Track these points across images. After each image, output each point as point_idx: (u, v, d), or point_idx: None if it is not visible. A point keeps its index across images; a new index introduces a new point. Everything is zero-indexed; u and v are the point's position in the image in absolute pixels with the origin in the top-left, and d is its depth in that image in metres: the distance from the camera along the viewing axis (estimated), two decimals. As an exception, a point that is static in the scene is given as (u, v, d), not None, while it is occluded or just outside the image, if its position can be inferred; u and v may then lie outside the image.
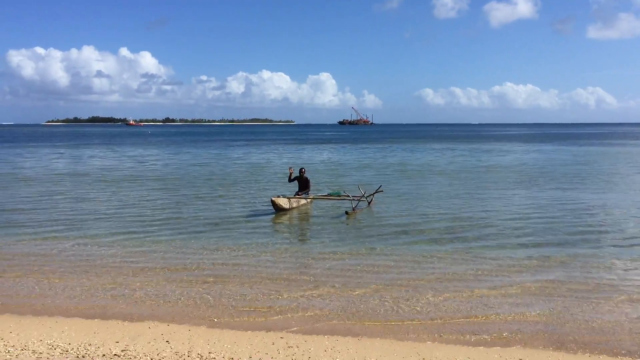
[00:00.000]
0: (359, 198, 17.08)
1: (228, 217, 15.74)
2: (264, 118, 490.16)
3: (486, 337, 7.03)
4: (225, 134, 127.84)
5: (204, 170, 32.86)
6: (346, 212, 16.03)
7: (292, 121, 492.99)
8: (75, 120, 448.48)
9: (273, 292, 8.85)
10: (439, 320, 7.62)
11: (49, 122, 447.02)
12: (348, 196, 17.21)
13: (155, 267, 10.52)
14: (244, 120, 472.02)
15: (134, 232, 13.88)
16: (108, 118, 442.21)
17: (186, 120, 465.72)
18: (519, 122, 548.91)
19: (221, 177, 27.95)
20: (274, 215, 16.05)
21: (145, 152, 53.34)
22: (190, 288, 9.14)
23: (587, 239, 12.90)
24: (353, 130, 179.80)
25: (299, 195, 17.51)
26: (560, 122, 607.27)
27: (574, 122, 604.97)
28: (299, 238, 13.68)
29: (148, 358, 6.20)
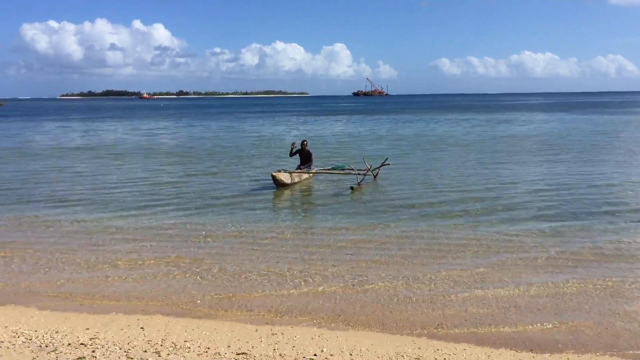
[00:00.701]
0: (364, 172, 16.23)
1: (228, 194, 14.94)
2: (278, 90, 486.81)
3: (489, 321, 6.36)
4: (238, 107, 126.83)
5: (212, 143, 32.20)
6: (351, 188, 15.18)
7: (306, 93, 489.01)
8: (90, 94, 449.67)
9: (264, 275, 8.19)
10: (439, 304, 6.95)
11: (63, 95, 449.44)
12: (353, 170, 16.42)
13: (144, 247, 9.90)
14: (258, 93, 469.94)
15: (128, 209, 13.26)
16: (122, 91, 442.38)
17: (199, 93, 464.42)
18: (537, 92, 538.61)
19: (229, 151, 27.24)
20: (274, 191, 15.29)
21: (155, 125, 52.87)
22: (177, 269, 8.50)
23: (607, 212, 12.08)
24: (367, 101, 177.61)
25: (300, 169, 16.74)
26: (579, 90, 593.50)
27: (594, 90, 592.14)
28: (300, 215, 12.90)
29: (117, 347, 5.63)
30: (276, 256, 9.11)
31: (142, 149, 28.50)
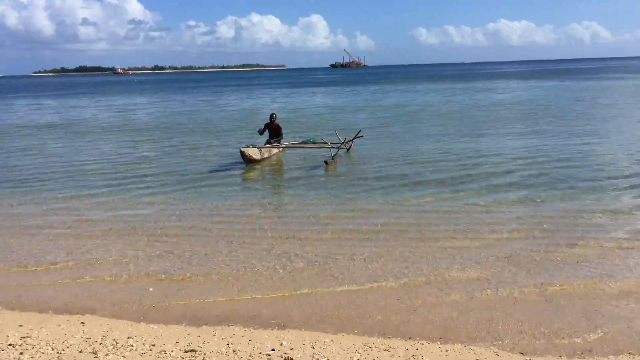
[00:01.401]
0: (337, 145, 15.61)
1: (194, 172, 13.92)
2: (255, 63, 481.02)
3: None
4: (214, 80, 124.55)
5: (185, 118, 31.11)
6: (325, 162, 14.39)
7: (283, 66, 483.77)
8: (63, 70, 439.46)
9: (228, 262, 7.51)
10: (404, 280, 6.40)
11: (36, 72, 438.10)
12: (326, 143, 15.74)
13: (98, 229, 9.18)
14: (235, 67, 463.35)
15: (91, 188, 12.52)
16: (96, 67, 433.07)
17: (176, 68, 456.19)
18: (514, 60, 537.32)
19: (203, 126, 26.23)
20: (243, 168, 14.41)
21: (128, 101, 51.26)
22: (131, 256, 7.79)
23: (586, 180, 11.64)
24: (345, 72, 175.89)
25: (270, 143, 15.96)
26: (555, 58, 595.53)
27: (570, 57, 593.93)
28: (271, 194, 12.03)
29: (49, 348, 4.97)
30: (240, 242, 8.42)
31: (111, 126, 27.41)
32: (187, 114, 34.27)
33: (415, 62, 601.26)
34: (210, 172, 13.98)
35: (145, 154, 17.48)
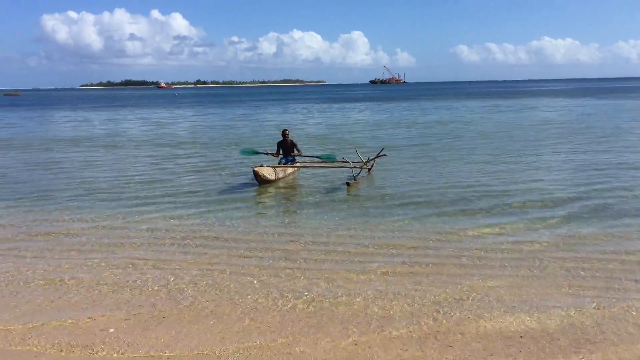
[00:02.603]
0: (360, 165, 14.20)
1: (207, 191, 12.80)
2: (295, 79, 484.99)
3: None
4: (254, 95, 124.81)
5: (217, 133, 30.18)
6: (347, 183, 12.92)
7: (323, 81, 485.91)
8: (109, 83, 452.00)
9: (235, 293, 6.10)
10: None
11: (83, 85, 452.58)
12: (347, 162, 14.32)
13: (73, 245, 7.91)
14: (275, 82, 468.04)
15: (88, 202, 11.39)
16: (140, 81, 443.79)
17: (217, 83, 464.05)
18: (557, 78, 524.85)
19: (234, 141, 25.05)
20: (256, 189, 13.07)
21: (165, 114, 50.83)
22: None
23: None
24: (384, 89, 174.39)
25: (285, 162, 14.59)
26: (600, 76, 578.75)
27: (616, 76, 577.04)
28: (285, 218, 10.60)
29: None
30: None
31: (136, 140, 26.58)
32: (218, 128, 33.32)
33: (455, 79, 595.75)
34: (221, 192, 12.59)
35: (160, 170, 16.28)
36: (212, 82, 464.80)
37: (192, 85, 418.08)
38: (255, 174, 13.09)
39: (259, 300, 6.19)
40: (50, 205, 11.62)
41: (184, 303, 6.15)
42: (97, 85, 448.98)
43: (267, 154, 14.79)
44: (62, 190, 13.22)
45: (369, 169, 14.57)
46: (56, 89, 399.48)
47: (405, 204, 10.91)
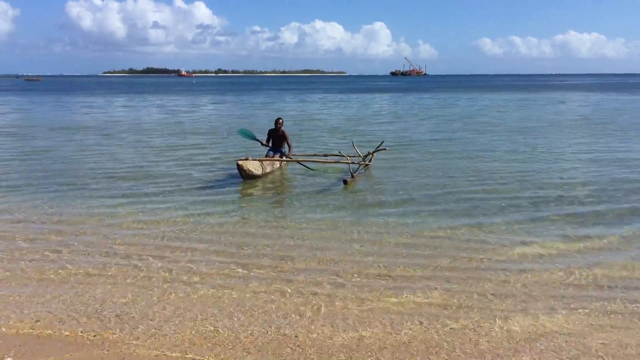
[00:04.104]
0: (358, 161, 12.76)
1: (188, 185, 11.43)
2: (316, 69, 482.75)
3: None
4: (273, 84, 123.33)
5: (220, 121, 28.89)
6: (344, 181, 11.23)
7: (344, 72, 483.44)
8: (131, 71, 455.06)
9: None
10: None
11: (106, 72, 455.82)
12: (344, 157, 12.72)
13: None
14: (296, 72, 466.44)
15: (60, 191, 10.08)
16: (162, 69, 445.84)
17: (238, 72, 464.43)
18: (583, 73, 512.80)
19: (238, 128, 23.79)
20: (239, 185, 11.43)
21: (181, 102, 49.59)
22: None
23: None
24: (405, 80, 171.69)
25: (273, 155, 13.10)
26: (627, 72, 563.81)
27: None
28: (273, 216, 9.12)
29: None
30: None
31: (135, 128, 25.32)
32: (229, 117, 31.97)
33: (477, 72, 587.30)
34: (201, 189, 11.11)
35: (145, 162, 14.89)
36: (233, 72, 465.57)
37: (213, 74, 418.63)
38: (239, 168, 11.56)
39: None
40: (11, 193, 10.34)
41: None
42: (119, 72, 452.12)
43: (262, 144, 13.26)
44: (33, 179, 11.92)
45: (367, 164, 12.97)
46: (78, 76, 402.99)
47: (415, 206, 9.37)
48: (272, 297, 5.60)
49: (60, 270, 6.39)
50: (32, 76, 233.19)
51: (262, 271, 6.36)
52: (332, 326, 4.93)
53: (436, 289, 5.78)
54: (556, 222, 8.33)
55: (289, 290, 5.77)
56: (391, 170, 12.97)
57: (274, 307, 5.35)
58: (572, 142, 18.07)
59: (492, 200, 9.72)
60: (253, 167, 11.77)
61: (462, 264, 6.53)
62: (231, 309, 5.30)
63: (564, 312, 5.20)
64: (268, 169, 12.37)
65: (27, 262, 6.69)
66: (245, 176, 11.66)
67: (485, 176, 12.07)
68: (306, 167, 12.73)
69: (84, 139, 20.04)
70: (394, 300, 5.51)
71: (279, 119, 13.30)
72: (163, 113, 34.39)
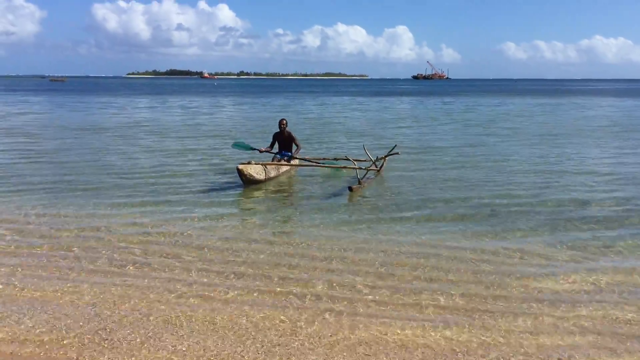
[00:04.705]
0: (367, 166, 11.89)
1: (187, 190, 10.94)
2: (337, 72, 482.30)
3: None
4: (295, 87, 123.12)
5: (232, 122, 28.48)
6: (349, 188, 10.43)
7: (365, 75, 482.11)
8: (154, 72, 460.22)
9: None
10: None
11: (129, 74, 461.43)
12: (351, 162, 11.94)
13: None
14: (317, 75, 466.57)
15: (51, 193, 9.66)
16: (185, 71, 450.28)
17: (260, 74, 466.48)
18: (609, 78, 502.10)
19: (250, 130, 23.38)
20: (240, 191, 10.72)
21: (201, 103, 49.49)
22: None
23: None
24: (427, 84, 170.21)
25: (279, 159, 12.25)
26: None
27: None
28: (268, 232, 8.42)
29: None
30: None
31: (151, 129, 25.06)
32: (236, 117, 31.59)
33: (500, 77, 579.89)
34: (199, 193, 10.65)
35: (153, 163, 14.52)
36: (255, 74, 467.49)
37: (235, 77, 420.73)
38: (240, 172, 10.81)
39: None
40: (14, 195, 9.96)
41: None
42: (143, 73, 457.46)
43: (261, 151, 12.30)
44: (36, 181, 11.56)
45: (379, 170, 12.34)
46: (102, 77, 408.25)
47: (430, 217, 8.73)
48: (268, 315, 5.06)
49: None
50: (57, 77, 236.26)
51: (253, 295, 5.81)
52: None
53: (456, 323, 5.17)
54: (591, 240, 7.65)
55: (289, 314, 5.21)
56: (406, 176, 12.24)
57: (268, 324, 4.81)
58: (602, 150, 17.21)
59: (516, 212, 9.05)
60: (255, 171, 11.03)
61: (486, 291, 5.90)
62: (225, 330, 4.77)
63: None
64: (273, 174, 11.64)
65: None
66: (247, 181, 10.94)
67: (508, 186, 11.36)
68: (319, 165, 12.22)
69: (97, 139, 19.75)
70: (409, 332, 4.91)
71: (283, 119, 12.47)
72: (182, 115, 34.12)
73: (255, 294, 5.53)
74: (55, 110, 37.05)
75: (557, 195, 10.29)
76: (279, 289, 5.67)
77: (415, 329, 4.77)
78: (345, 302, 5.32)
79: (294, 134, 12.53)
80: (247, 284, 5.79)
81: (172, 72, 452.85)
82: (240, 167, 10.82)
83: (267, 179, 11.42)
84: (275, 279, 5.95)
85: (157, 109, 40.22)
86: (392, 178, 12.05)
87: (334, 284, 5.80)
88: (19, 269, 6.24)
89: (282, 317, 4.99)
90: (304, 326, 4.81)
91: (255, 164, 11.18)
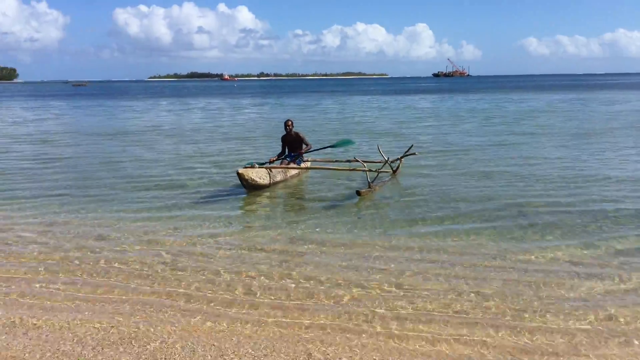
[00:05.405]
0: (378, 168, 11.12)
1: (188, 199, 10.55)
2: (357, 72, 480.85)
3: None
4: (314, 87, 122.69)
5: (245, 123, 28.10)
6: (357, 192, 9.70)
7: (385, 74, 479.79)
8: (175, 76, 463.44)
9: None
10: None
11: (151, 77, 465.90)
12: (360, 164, 10.97)
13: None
14: (337, 74, 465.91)
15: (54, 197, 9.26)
16: (205, 73, 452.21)
17: (280, 75, 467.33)
18: (633, 72, 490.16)
19: (271, 133, 22.94)
20: (245, 196, 10.05)
21: (222, 105, 49.33)
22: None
23: None
24: (448, 82, 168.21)
25: (288, 162, 11.52)
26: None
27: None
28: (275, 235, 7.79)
29: None
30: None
31: (168, 132, 24.77)
32: (263, 120, 31.19)
33: (522, 73, 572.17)
34: (196, 201, 10.17)
35: (164, 167, 14.12)
36: (275, 75, 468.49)
37: (255, 78, 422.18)
38: (240, 177, 9.95)
39: None
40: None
41: None
42: (164, 77, 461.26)
43: (271, 161, 11.27)
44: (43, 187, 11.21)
45: (394, 171, 11.66)
46: (126, 81, 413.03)
47: (453, 222, 8.11)
48: (273, 331, 4.53)
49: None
50: (79, 81, 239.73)
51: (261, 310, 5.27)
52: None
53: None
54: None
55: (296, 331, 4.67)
56: (424, 178, 11.51)
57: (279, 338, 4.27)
58: (637, 149, 16.34)
59: (546, 215, 8.37)
60: (258, 175, 10.21)
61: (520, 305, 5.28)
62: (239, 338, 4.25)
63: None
64: (279, 178, 10.87)
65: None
66: (248, 186, 10.14)
67: (536, 188, 10.67)
68: (329, 168, 11.54)
69: (112, 144, 19.50)
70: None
71: (288, 120, 11.77)
72: (201, 117, 33.88)
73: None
74: (73, 115, 37.15)
75: (590, 196, 9.58)
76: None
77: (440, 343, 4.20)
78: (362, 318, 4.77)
79: (301, 134, 11.86)
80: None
81: (193, 75, 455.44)
82: (241, 171, 10.03)
83: (273, 184, 10.66)
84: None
85: (177, 111, 40.12)
86: (409, 180, 11.35)
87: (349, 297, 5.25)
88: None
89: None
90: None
91: (259, 167, 10.47)
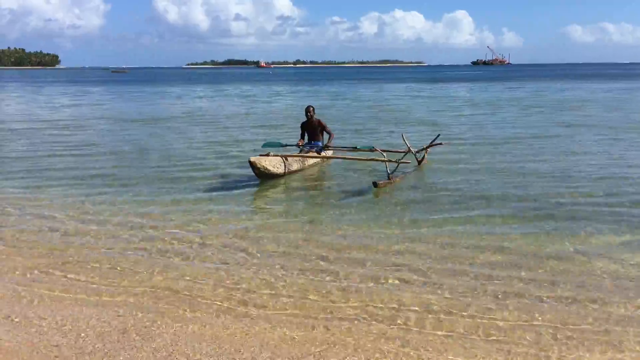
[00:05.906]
0: (398, 159, 9.99)
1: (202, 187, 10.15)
2: (394, 59, 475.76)
3: None
4: (351, 74, 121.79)
5: (292, 111, 27.95)
6: (374, 184, 9.11)
7: (422, 62, 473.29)
8: (212, 63, 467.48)
9: None
10: None
11: (189, 64, 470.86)
12: (379, 153, 10.48)
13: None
14: (373, 62, 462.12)
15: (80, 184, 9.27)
16: (242, 60, 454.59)
17: (316, 63, 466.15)
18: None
19: (286, 120, 22.75)
20: (257, 188, 9.60)
21: (256, 91, 49.37)
22: None
23: None
24: (486, 70, 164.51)
25: (307, 151, 11.04)
26: None
27: None
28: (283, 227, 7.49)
29: None
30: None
31: (200, 119, 24.82)
32: (295, 107, 31.02)
33: (565, 61, 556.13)
34: (208, 189, 9.94)
35: (188, 154, 14.05)
36: (311, 62, 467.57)
37: (292, 65, 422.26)
38: (252, 166, 9.49)
39: None
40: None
41: None
42: (201, 64, 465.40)
43: (298, 145, 11.15)
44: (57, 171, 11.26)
45: (419, 162, 11.11)
46: (165, 67, 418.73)
47: (485, 217, 7.73)
48: (288, 333, 4.32)
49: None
50: (119, 68, 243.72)
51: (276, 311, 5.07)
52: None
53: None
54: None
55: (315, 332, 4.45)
56: (452, 169, 10.93)
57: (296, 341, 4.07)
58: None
59: (585, 212, 7.91)
60: (271, 164, 9.71)
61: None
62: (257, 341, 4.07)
63: None
64: (295, 167, 10.39)
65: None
66: (261, 175, 9.69)
67: (577, 182, 10.14)
68: (349, 158, 10.85)
69: (144, 130, 19.62)
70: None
71: (310, 106, 11.32)
72: (235, 104, 33.90)
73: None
74: (111, 101, 37.68)
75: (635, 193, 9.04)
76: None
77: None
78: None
79: (323, 121, 11.40)
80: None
81: (230, 62, 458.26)
82: (253, 159, 9.56)
83: (288, 173, 10.19)
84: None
85: (212, 97, 40.32)
86: (436, 171, 10.78)
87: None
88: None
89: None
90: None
91: (273, 155, 9.99)
